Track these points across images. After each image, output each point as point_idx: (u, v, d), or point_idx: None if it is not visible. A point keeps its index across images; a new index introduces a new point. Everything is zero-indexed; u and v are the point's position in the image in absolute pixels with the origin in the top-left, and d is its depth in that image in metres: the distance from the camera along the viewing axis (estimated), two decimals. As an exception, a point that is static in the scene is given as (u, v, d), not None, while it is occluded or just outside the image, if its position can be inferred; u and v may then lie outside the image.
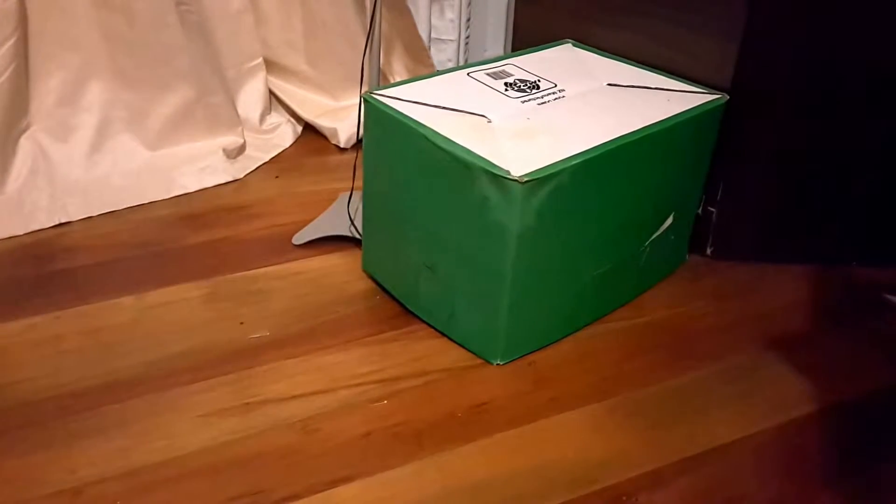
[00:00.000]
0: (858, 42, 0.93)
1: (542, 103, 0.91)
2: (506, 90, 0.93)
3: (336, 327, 0.93)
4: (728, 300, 0.99)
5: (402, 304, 0.95)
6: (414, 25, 1.37)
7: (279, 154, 1.32)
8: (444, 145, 0.82)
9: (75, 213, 1.13)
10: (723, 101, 0.95)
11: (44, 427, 0.79)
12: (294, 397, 0.83)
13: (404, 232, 0.91)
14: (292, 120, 1.40)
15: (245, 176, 1.26)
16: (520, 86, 0.94)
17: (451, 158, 0.81)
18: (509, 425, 0.80)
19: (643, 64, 1.03)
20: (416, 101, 0.90)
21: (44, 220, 1.11)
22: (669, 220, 0.97)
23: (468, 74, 0.97)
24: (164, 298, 0.97)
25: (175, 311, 0.95)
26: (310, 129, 1.38)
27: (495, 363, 0.88)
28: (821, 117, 0.97)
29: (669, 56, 1.03)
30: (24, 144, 1.17)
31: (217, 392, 0.83)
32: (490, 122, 0.87)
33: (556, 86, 0.95)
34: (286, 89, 1.39)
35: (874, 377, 0.88)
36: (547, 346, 0.90)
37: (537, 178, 0.77)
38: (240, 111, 1.32)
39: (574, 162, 0.80)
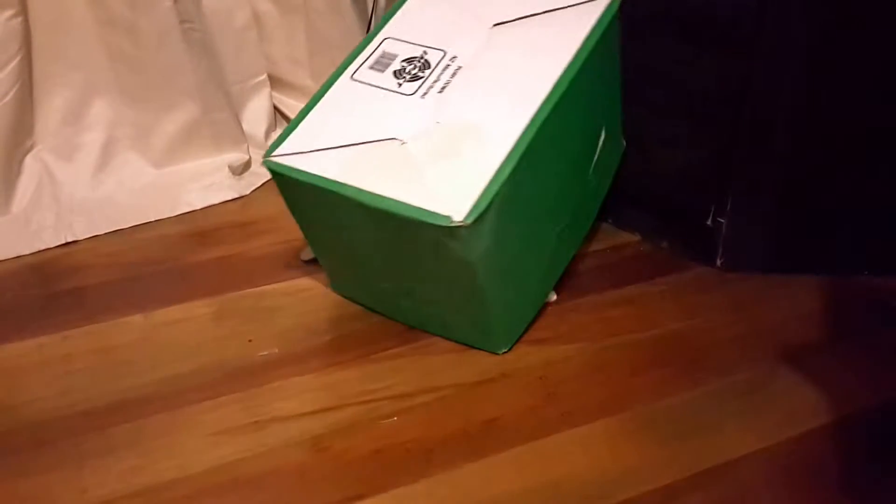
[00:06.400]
0: (869, 45, 0.93)
1: (443, 88, 0.83)
2: (399, 85, 0.84)
3: (345, 343, 0.92)
4: (739, 312, 0.99)
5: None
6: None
7: (284, 170, 1.32)
8: (374, 203, 0.75)
9: (82, 231, 1.13)
10: (618, 1, 0.89)
11: (53, 447, 0.78)
12: (304, 415, 0.82)
13: (365, 271, 0.89)
14: (297, 136, 1.40)
15: (251, 192, 1.26)
16: (409, 70, 0.85)
17: (387, 216, 0.76)
18: (521, 441, 0.80)
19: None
20: (320, 147, 0.81)
21: (50, 240, 1.11)
22: (602, 137, 0.92)
23: (352, 78, 0.87)
24: (173, 316, 0.97)
25: (183, 328, 0.95)
26: (315, 145, 1.39)
27: (501, 353, 0.89)
28: (829, 127, 0.97)
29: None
30: (30, 164, 1.18)
31: (227, 410, 0.83)
32: (404, 143, 0.80)
33: (445, 53, 0.86)
34: (291, 105, 1.40)
35: (889, 388, 0.88)
36: (538, 317, 0.93)
37: (482, 211, 0.73)
38: (245, 128, 1.32)
39: (513, 163, 0.75)
